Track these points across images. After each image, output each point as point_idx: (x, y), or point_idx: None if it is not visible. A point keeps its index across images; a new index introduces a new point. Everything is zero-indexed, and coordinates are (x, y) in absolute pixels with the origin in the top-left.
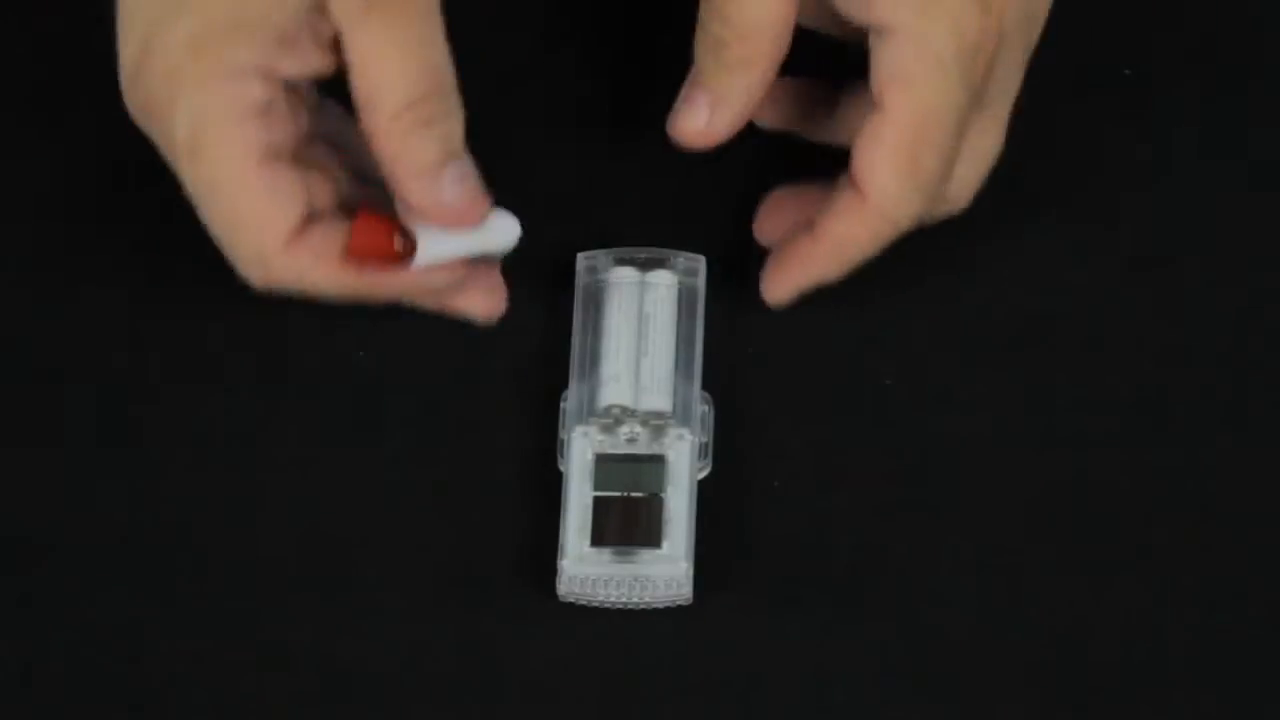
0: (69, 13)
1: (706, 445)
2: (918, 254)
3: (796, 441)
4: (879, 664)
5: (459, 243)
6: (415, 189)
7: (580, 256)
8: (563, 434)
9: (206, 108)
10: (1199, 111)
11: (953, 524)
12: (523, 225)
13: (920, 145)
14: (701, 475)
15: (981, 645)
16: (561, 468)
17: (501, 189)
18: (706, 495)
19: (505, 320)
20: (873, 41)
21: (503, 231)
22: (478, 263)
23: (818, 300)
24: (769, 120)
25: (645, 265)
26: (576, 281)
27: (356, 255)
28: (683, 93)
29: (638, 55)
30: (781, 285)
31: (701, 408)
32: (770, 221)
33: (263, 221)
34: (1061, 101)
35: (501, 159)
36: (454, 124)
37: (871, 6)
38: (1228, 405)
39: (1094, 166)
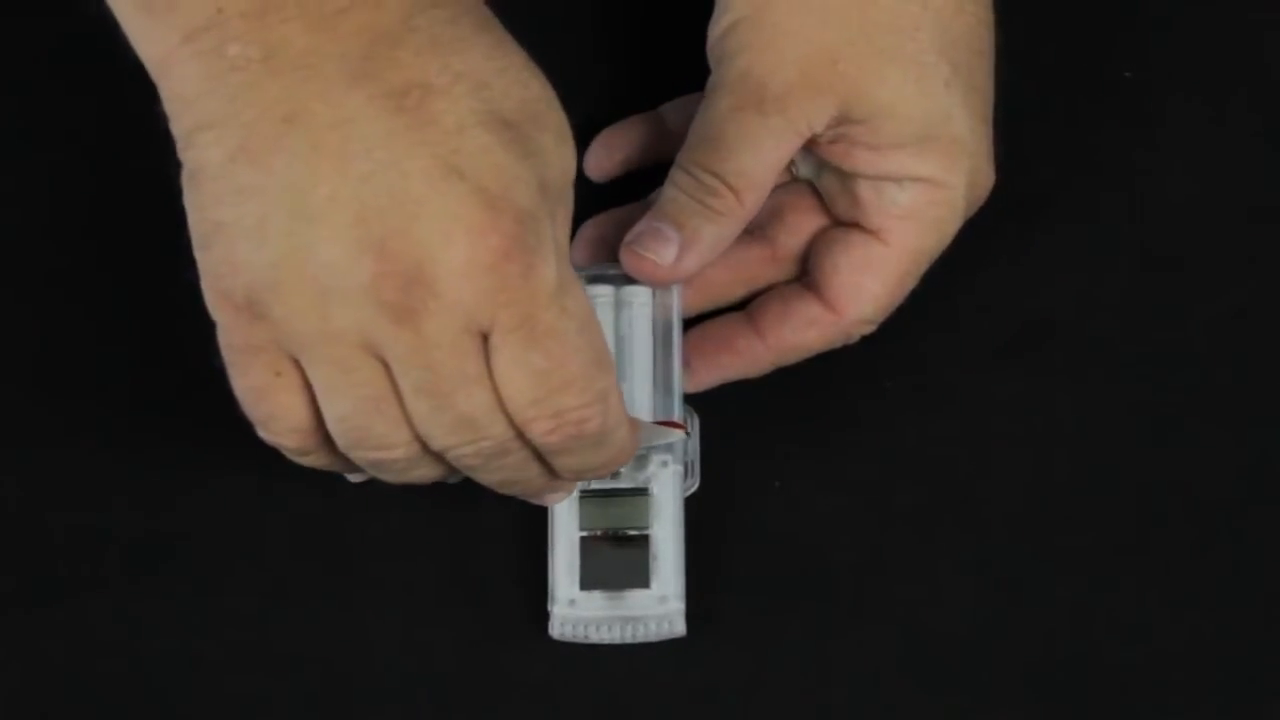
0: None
1: (692, 463)
2: None
3: (796, 441)
4: (879, 664)
5: None
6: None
7: None
8: None
9: (560, 247)
10: (1199, 112)
11: (953, 524)
12: None
13: (911, 276)
14: (689, 493)
15: (981, 645)
16: None
17: None
18: (706, 495)
19: None
20: (881, 185)
21: None
22: None
23: None
24: (614, 170)
25: (619, 282)
26: None
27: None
28: (649, 222)
29: (612, 67)
30: (710, 374)
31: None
32: (586, 251)
33: (610, 355)
34: (1062, 102)
35: None
36: None
37: (893, 161)
38: (1228, 405)
39: (1094, 167)
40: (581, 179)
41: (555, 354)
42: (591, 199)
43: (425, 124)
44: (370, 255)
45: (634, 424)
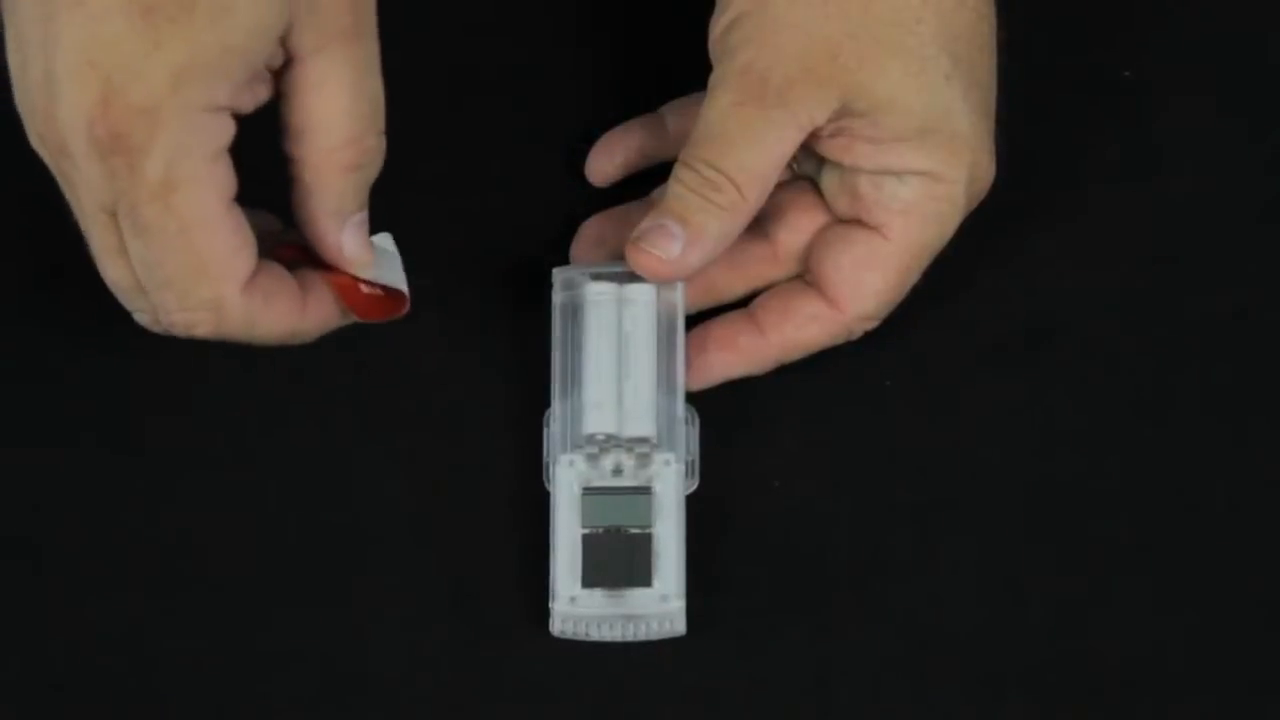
0: None
1: (692, 462)
2: None
3: (796, 441)
4: (879, 664)
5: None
6: (326, 228)
7: (556, 271)
8: (547, 457)
9: (187, 145)
10: (1199, 112)
11: (953, 524)
12: (502, 237)
13: (913, 271)
14: (688, 491)
15: (981, 645)
16: (548, 487)
17: (479, 200)
18: (707, 495)
19: (492, 330)
20: (881, 179)
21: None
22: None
23: None
24: (615, 175)
25: (622, 280)
26: (553, 298)
27: (372, 315)
28: (654, 219)
29: (618, 69)
30: (713, 372)
31: (685, 425)
32: (588, 250)
33: (229, 264)
34: (1062, 102)
35: (480, 169)
36: (376, 169)
37: (893, 155)
38: (1228, 406)
39: (1094, 167)
40: (582, 182)
41: (155, 250)
42: (592, 199)
43: (74, 5)
44: (37, 119)
45: (298, 305)
